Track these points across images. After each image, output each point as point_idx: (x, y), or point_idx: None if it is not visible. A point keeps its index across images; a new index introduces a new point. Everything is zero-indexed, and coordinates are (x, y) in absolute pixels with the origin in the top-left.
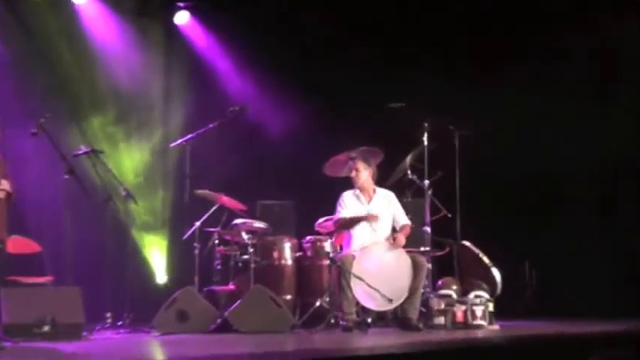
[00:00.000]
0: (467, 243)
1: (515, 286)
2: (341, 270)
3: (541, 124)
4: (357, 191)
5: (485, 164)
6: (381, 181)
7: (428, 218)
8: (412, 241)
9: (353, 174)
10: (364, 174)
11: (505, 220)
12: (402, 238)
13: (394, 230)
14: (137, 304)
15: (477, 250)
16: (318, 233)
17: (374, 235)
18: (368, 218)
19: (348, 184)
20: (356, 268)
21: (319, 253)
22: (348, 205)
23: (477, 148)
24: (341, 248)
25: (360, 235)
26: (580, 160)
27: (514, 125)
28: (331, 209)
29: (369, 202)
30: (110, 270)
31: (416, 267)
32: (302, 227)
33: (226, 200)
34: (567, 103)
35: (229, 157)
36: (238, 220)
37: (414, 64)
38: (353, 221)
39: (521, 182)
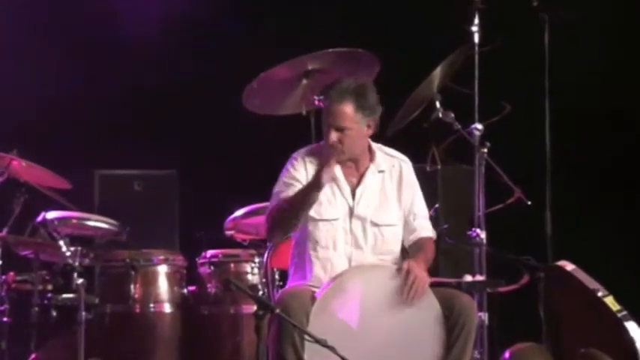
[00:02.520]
0: (569, 266)
1: None
2: (282, 326)
3: None
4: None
5: (609, 88)
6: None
7: (481, 208)
8: (444, 263)
9: (332, 137)
10: (358, 132)
11: None
12: (419, 270)
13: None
14: None
15: (591, 283)
16: (234, 242)
17: (359, 252)
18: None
19: (301, 134)
20: (319, 323)
21: (234, 286)
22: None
23: (594, 53)
24: (283, 278)
25: (327, 248)
26: None
27: None
28: (259, 192)
29: (355, 184)
30: None
31: (453, 319)
32: (194, 228)
33: (22, 168)
34: None
35: (31, 72)
36: (52, 214)
37: None
38: (300, 201)
39: None
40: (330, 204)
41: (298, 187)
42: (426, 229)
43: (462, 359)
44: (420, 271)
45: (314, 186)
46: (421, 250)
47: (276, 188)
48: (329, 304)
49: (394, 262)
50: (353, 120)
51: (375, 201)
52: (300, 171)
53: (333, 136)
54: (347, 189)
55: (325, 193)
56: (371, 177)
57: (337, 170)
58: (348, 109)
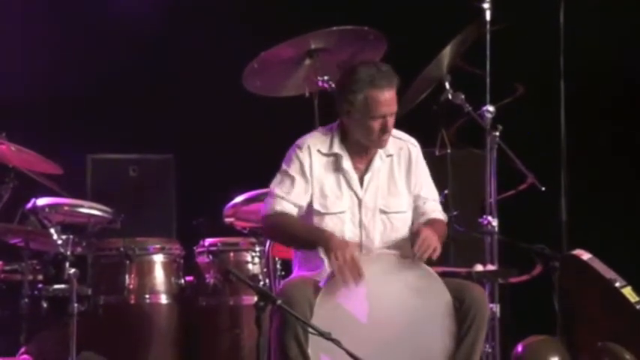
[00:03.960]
0: (585, 255)
1: None
2: (285, 318)
3: None
4: (337, 146)
5: (627, 68)
6: None
7: (493, 195)
8: (454, 252)
9: (391, 124)
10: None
11: None
12: (430, 232)
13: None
14: None
15: (609, 273)
16: (233, 230)
17: (369, 243)
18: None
19: (304, 116)
20: (324, 314)
21: (234, 277)
22: (314, 177)
23: (611, 32)
24: (285, 268)
25: None
26: None
27: None
28: (260, 177)
29: (363, 171)
30: None
31: (463, 311)
32: (192, 215)
33: (11, 152)
34: None
35: (19, 52)
36: (42, 200)
37: None
38: (305, 238)
39: None
40: (336, 197)
41: (300, 181)
42: (436, 212)
43: (473, 353)
44: (430, 233)
45: (321, 244)
46: (432, 224)
47: (278, 177)
48: (334, 294)
49: (403, 250)
50: (394, 97)
51: (384, 187)
52: (304, 163)
53: (391, 122)
54: (355, 178)
55: (331, 187)
56: (379, 162)
57: (346, 161)
58: (395, 91)
